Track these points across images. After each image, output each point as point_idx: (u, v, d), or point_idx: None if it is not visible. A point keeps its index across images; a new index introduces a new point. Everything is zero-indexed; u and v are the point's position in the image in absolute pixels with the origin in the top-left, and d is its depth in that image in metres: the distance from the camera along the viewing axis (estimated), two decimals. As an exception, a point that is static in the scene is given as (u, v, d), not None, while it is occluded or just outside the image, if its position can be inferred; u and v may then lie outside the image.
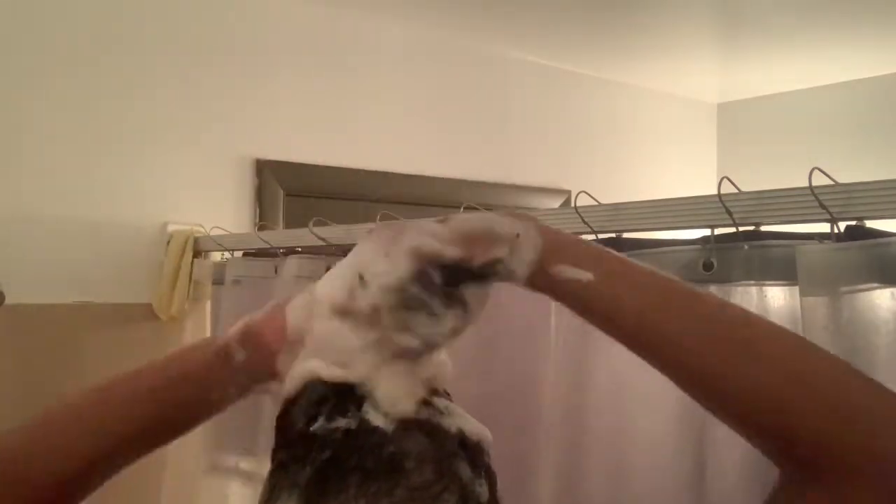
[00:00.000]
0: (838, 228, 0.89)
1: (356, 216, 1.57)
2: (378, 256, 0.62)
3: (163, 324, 2.01)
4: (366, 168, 2.38)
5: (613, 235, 1.13)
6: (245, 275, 1.81)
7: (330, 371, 0.61)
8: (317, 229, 1.55)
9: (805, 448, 0.54)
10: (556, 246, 0.62)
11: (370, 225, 1.46)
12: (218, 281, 1.92)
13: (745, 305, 0.96)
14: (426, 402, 0.62)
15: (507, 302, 1.29)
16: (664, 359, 0.60)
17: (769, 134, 3.23)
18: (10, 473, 0.63)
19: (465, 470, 0.59)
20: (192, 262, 1.99)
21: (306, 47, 2.32)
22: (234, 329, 0.67)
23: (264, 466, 0.64)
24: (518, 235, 0.62)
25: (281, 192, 2.24)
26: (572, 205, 1.13)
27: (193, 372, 0.68)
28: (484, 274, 0.62)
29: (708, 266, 0.99)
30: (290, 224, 2.21)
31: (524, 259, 0.62)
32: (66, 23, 1.93)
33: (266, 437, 1.40)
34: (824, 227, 0.90)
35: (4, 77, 1.85)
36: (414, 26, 2.49)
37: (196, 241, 2.00)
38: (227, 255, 1.94)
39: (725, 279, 0.98)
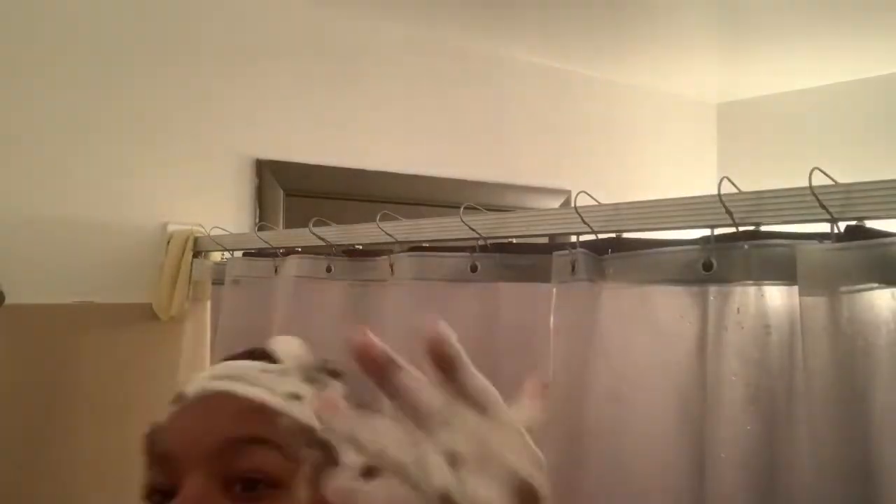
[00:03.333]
0: (838, 228, 0.89)
1: (356, 216, 1.57)
2: None
3: (163, 324, 2.01)
4: (366, 168, 2.38)
5: (613, 235, 1.13)
6: (245, 275, 1.81)
7: None
8: (317, 229, 1.55)
9: None
10: None
11: (369, 225, 1.45)
12: (218, 281, 1.92)
13: (744, 305, 0.97)
14: None
15: (506, 302, 1.29)
16: None
17: (769, 134, 3.23)
18: None
19: None
20: (191, 262, 1.99)
21: (306, 47, 2.32)
22: None
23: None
24: None
25: (281, 192, 2.24)
26: (572, 205, 1.13)
27: None
28: None
29: (708, 266, 0.99)
30: (290, 224, 2.21)
31: None
32: (66, 22, 1.93)
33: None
34: (824, 227, 0.90)
35: (3, 77, 1.85)
36: (414, 26, 2.49)
37: (196, 241, 2.00)
38: (227, 255, 1.94)
39: (725, 279, 0.98)
